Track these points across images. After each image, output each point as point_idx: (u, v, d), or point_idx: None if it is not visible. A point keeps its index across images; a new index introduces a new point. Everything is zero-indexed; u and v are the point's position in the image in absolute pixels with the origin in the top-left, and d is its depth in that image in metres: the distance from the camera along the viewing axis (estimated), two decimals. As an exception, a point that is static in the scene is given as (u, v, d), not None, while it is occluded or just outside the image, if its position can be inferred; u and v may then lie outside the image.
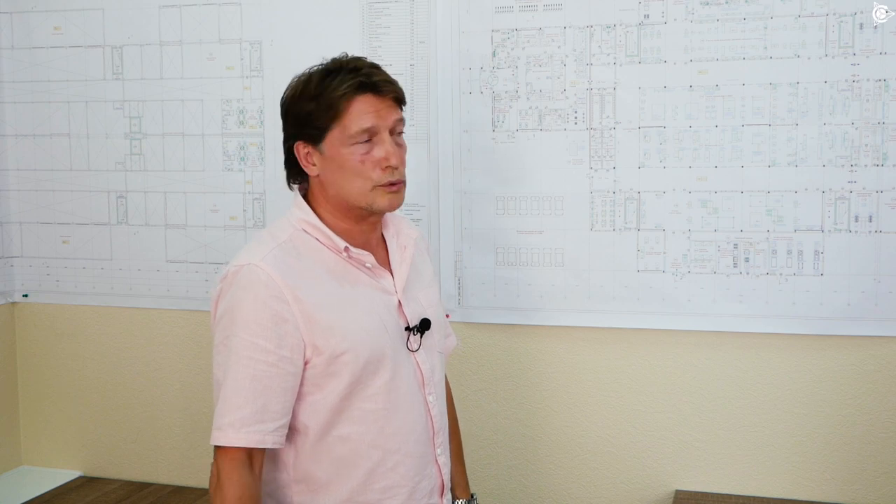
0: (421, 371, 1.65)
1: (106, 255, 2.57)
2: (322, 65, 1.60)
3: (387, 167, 1.56)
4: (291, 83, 1.62)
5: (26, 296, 2.65)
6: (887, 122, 2.03)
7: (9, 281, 2.64)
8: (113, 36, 2.50)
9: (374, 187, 1.57)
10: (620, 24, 2.15)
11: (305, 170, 1.60)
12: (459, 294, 2.31)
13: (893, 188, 2.04)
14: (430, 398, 1.66)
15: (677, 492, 2.23)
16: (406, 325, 1.63)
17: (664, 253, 2.17)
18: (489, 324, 2.29)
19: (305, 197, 1.64)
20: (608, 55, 2.17)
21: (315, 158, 1.58)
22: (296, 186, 1.66)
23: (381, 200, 1.58)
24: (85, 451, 2.66)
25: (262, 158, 2.41)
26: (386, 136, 1.57)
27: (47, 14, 2.54)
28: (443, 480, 1.70)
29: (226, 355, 1.49)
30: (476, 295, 2.30)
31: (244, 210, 2.44)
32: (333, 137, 1.55)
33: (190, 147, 2.47)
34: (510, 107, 2.23)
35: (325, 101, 1.54)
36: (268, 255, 1.52)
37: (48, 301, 2.64)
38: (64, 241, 2.60)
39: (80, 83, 2.53)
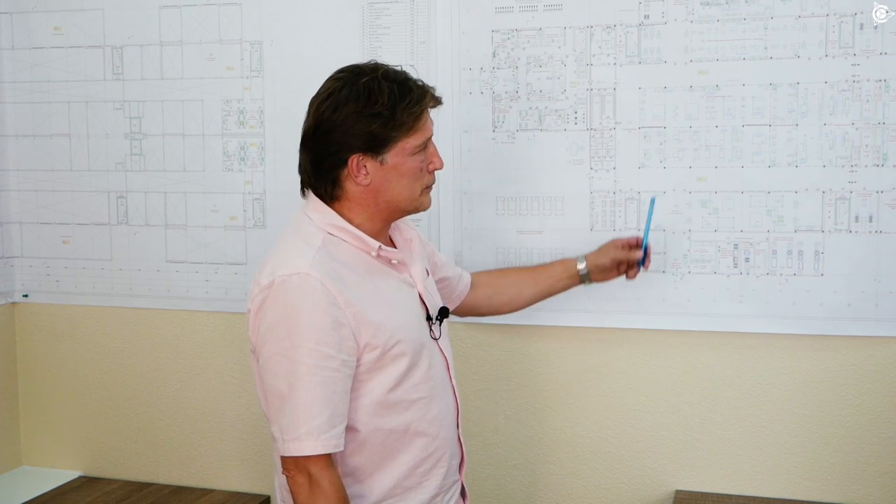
0: (445, 357, 1.74)
1: (106, 255, 2.57)
2: (368, 73, 1.59)
3: (433, 171, 1.68)
4: (340, 96, 1.57)
5: (26, 296, 2.65)
6: (887, 122, 2.03)
7: (9, 281, 2.64)
8: (113, 36, 2.50)
9: (423, 190, 1.67)
10: (620, 25, 2.15)
11: (355, 180, 1.59)
12: (459, 294, 2.31)
13: (893, 188, 2.04)
14: (453, 381, 1.76)
15: (677, 492, 2.23)
16: (427, 315, 1.70)
17: (664, 253, 2.17)
18: (489, 324, 2.29)
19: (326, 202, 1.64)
20: (608, 55, 2.17)
21: (370, 168, 1.59)
22: (309, 191, 1.66)
23: (425, 201, 1.69)
24: (85, 451, 2.66)
25: (262, 158, 2.41)
26: (432, 142, 1.67)
27: (47, 14, 2.54)
28: (463, 456, 1.79)
29: (288, 366, 1.51)
30: (476, 295, 2.30)
31: (244, 210, 2.44)
32: (399, 149, 1.60)
33: (190, 147, 2.47)
34: (510, 107, 2.23)
35: (399, 118, 1.58)
36: (313, 263, 1.53)
37: (48, 301, 2.64)
38: (64, 241, 2.60)
39: (80, 83, 2.53)
